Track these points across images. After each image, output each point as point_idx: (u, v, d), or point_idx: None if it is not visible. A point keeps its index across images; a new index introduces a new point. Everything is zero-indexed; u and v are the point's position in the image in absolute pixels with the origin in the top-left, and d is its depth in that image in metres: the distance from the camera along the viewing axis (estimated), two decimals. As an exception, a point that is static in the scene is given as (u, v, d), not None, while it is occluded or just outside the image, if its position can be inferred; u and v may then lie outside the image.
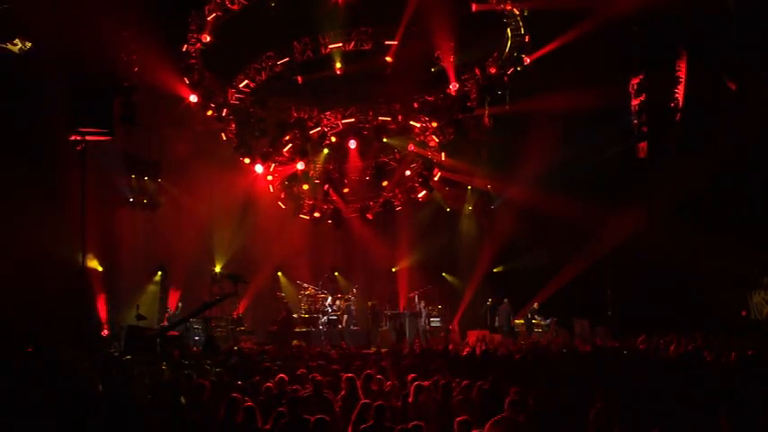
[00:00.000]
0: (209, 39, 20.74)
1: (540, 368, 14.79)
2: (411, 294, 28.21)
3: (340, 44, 21.88)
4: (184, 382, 11.86)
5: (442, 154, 25.90)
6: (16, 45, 17.71)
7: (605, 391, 10.56)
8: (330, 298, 27.00)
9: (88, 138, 19.56)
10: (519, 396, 9.61)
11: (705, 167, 21.45)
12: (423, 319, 27.28)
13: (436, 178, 26.65)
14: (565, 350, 18.81)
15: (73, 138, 19.37)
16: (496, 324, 26.52)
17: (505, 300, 26.93)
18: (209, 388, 10.61)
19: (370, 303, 28.05)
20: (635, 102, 22.66)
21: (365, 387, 11.56)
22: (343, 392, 11.13)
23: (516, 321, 26.80)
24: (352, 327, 26.70)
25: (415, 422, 8.70)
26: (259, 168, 24.81)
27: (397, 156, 27.16)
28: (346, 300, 27.30)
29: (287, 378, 11.88)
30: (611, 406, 9.63)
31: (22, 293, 17.43)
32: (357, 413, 9.35)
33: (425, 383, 11.22)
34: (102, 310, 22.03)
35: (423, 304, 27.72)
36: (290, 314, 25.74)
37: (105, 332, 21.45)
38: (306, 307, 26.71)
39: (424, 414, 10.21)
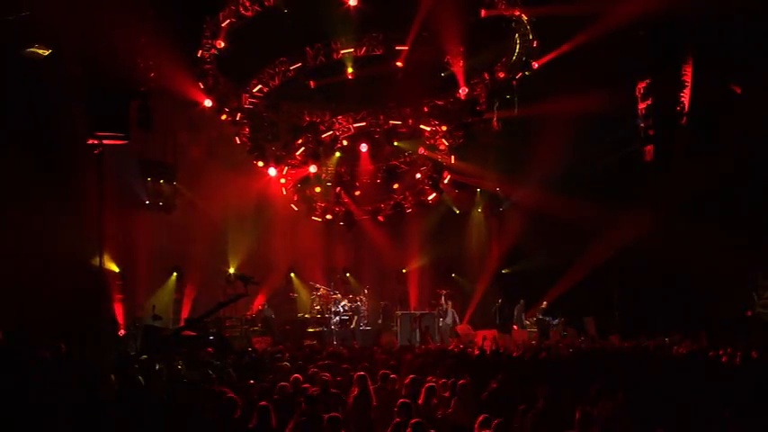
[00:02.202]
0: (223, 45, 20.96)
1: (548, 368, 15.02)
2: (439, 290, 28.22)
3: (351, 49, 22.11)
4: (202, 382, 12.19)
5: (452, 157, 26.06)
6: (36, 51, 18.06)
7: (610, 390, 10.78)
8: (342, 298, 27.21)
9: (105, 142, 19.81)
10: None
11: (710, 170, 21.56)
12: (449, 318, 27.45)
13: (446, 181, 26.78)
14: (571, 350, 19.06)
15: (90, 142, 19.68)
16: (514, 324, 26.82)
17: (522, 300, 27.24)
18: (224, 389, 10.72)
19: (382, 303, 28.30)
20: (641, 105, 22.76)
21: (377, 386, 11.72)
22: (355, 391, 11.28)
23: (525, 322, 27.06)
24: (362, 327, 26.94)
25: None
26: (272, 171, 25.04)
27: (408, 159, 27.32)
28: (357, 300, 27.46)
29: (301, 378, 12.06)
30: (615, 405, 9.86)
31: (41, 294, 17.78)
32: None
33: (434, 383, 11.47)
34: (118, 310, 22.19)
35: (450, 304, 27.79)
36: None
37: (122, 332, 21.56)
38: (318, 307, 26.87)
39: (433, 413, 10.49)
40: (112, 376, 11.07)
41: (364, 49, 22.26)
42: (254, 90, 23.28)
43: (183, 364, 13.61)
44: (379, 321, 27.85)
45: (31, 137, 18.56)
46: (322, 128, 24.90)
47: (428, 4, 20.36)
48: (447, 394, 11.47)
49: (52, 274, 18.42)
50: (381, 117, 24.94)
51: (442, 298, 27.82)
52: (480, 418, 9.03)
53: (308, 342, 23.12)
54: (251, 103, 23.52)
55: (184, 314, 24.19)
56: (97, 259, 19.71)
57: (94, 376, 10.92)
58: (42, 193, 18.12)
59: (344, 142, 25.74)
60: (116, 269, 22.31)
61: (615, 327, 24.69)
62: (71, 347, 13.96)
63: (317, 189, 27.35)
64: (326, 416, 9.13)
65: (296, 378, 12.01)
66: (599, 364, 15.50)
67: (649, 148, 22.70)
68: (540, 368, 15.00)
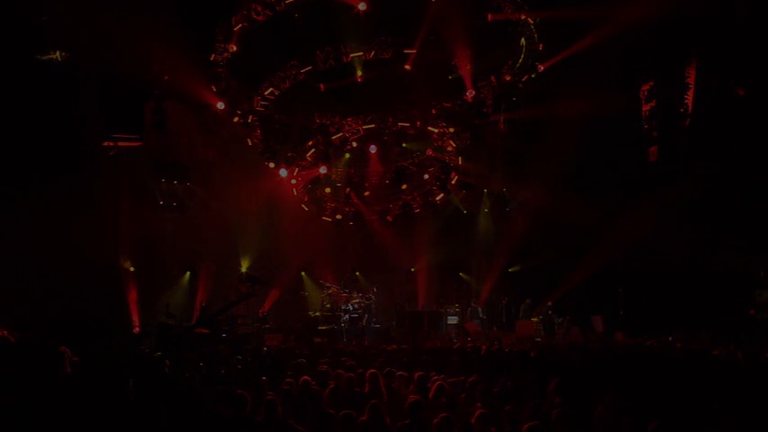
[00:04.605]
0: (235, 48, 21.17)
1: (552, 366, 15.28)
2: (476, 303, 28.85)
3: (361, 53, 22.09)
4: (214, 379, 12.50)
5: (459, 158, 26.12)
6: (53, 55, 18.48)
7: (612, 388, 10.98)
8: (352, 297, 27.41)
9: (120, 143, 20.31)
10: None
11: (714, 171, 21.80)
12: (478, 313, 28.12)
13: (453, 182, 26.70)
14: (577, 347, 19.29)
15: (106, 143, 20.15)
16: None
17: (527, 299, 27.56)
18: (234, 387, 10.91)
19: (397, 302, 28.58)
20: (646, 107, 22.96)
21: (388, 384, 11.89)
22: (367, 388, 11.46)
23: (532, 319, 27.34)
24: (372, 325, 27.16)
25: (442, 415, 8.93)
26: (283, 172, 25.02)
27: (416, 160, 27.37)
28: (367, 299, 27.63)
29: (309, 378, 12.05)
30: (617, 403, 10.09)
31: (58, 292, 18.13)
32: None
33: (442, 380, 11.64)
34: (133, 308, 22.55)
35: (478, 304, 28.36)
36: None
37: (137, 330, 21.82)
38: (329, 306, 27.06)
39: (441, 410, 10.74)
40: (130, 374, 11.34)
41: (373, 52, 22.24)
42: (266, 93, 23.29)
43: (196, 362, 13.98)
44: (393, 323, 27.95)
45: (47, 139, 18.90)
46: (332, 130, 24.91)
47: (436, 9, 20.57)
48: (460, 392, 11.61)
49: (68, 274, 18.72)
50: (390, 119, 24.94)
51: (472, 302, 28.66)
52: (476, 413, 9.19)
53: (318, 340, 23.48)
54: (262, 106, 23.58)
55: (197, 312, 24.41)
56: (113, 258, 20.14)
57: (114, 374, 11.20)
58: (58, 193, 18.48)
59: (354, 144, 25.85)
60: (131, 268, 22.64)
61: (620, 325, 24.90)
62: (88, 346, 14.28)
63: (327, 190, 27.45)
64: (340, 413, 9.22)
65: (305, 374, 12.16)
66: (600, 362, 15.68)
67: (653, 149, 22.92)
68: (545, 366, 15.25)
